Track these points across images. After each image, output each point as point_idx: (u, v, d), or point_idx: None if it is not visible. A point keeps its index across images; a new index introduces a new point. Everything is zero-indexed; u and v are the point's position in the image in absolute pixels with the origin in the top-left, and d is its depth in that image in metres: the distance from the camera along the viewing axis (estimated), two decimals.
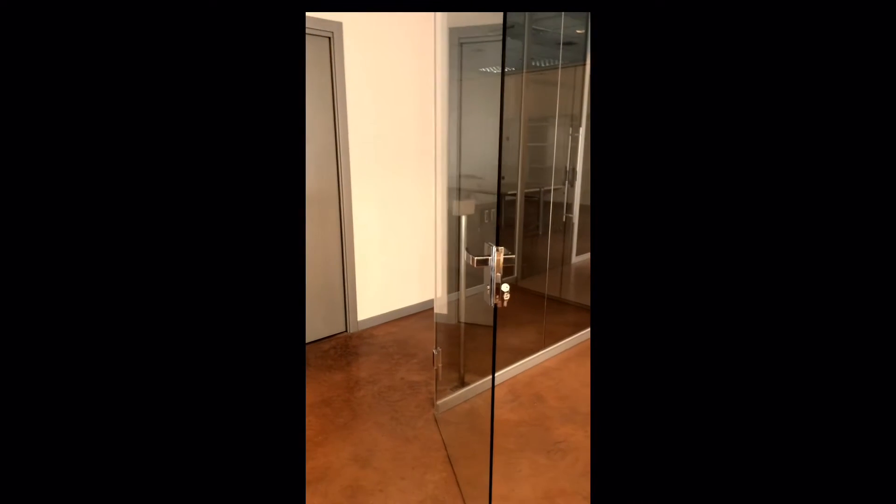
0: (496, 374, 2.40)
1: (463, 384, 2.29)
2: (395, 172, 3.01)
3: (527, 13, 3.36)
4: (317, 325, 2.84)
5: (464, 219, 2.17)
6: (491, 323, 2.99)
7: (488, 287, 1.24)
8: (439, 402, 2.14)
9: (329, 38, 2.51)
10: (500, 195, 1.22)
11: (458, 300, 2.36)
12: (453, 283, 3.27)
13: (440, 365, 2.18)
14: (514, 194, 3.82)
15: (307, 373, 2.47)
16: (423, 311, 3.36)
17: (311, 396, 2.24)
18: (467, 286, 2.77)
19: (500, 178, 1.22)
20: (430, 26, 2.98)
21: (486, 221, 4.09)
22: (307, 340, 2.83)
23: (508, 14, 3.74)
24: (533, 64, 3.48)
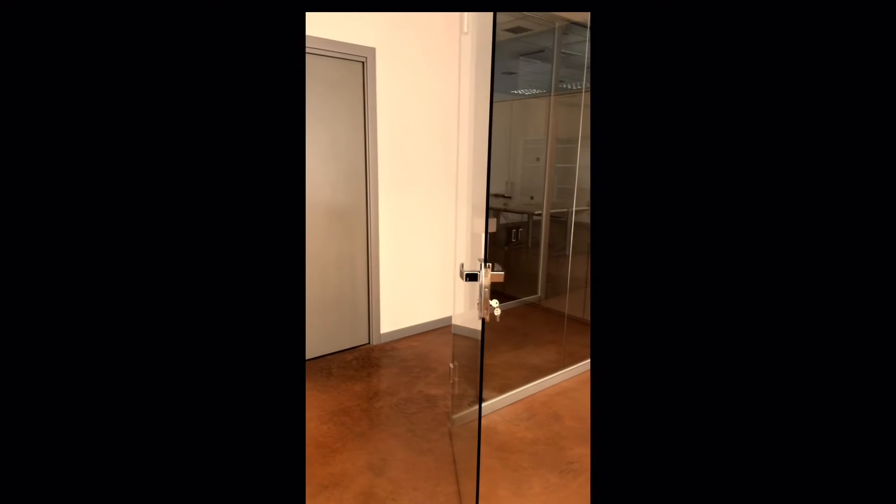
0: (514, 392, 2.40)
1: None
2: (421, 190, 3.10)
3: (556, 37, 3.43)
4: (341, 336, 2.93)
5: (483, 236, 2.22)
6: (508, 341, 3.00)
7: (478, 301, 1.29)
8: (455, 416, 2.16)
9: (363, 62, 2.65)
10: (487, 211, 1.26)
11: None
12: (472, 300, 3.27)
13: (456, 378, 2.21)
14: (540, 214, 3.85)
15: (329, 382, 2.54)
16: (445, 327, 3.40)
17: (331, 405, 2.31)
18: None
19: (488, 194, 1.26)
20: (458, 50, 3.09)
21: (514, 241, 4.11)
22: (331, 351, 2.91)
23: (538, 38, 3.83)
24: (562, 86, 3.54)
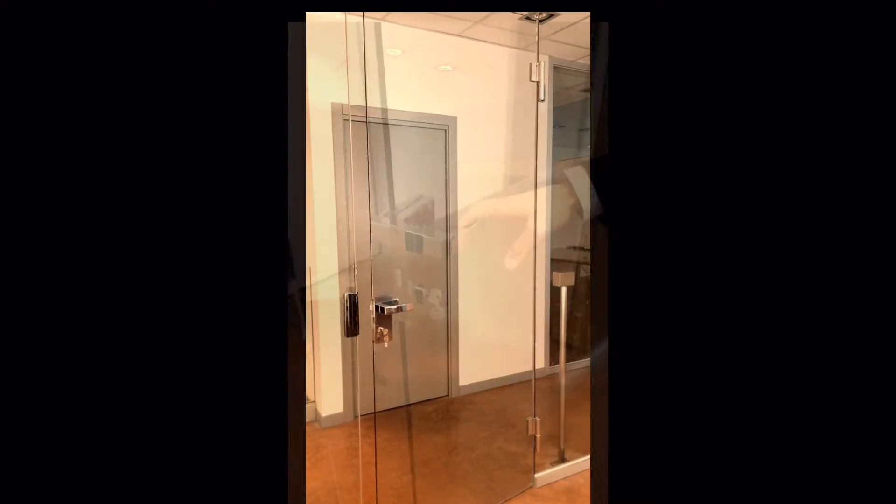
0: None
1: (563, 460, 2.23)
2: (499, 245, 3.20)
3: None
4: (421, 387, 2.99)
5: (564, 290, 2.24)
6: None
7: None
8: (537, 475, 2.10)
9: (445, 130, 2.89)
10: (370, 258, 1.37)
11: (559, 372, 2.36)
12: (554, 354, 3.21)
13: (538, 434, 2.17)
14: None
15: (409, 432, 2.59)
16: (526, 381, 3.35)
17: (411, 455, 2.35)
18: (569, 359, 2.72)
19: (370, 246, 1.35)
20: (533, 113, 3.25)
21: None
22: (412, 401, 2.98)
23: None
24: None
